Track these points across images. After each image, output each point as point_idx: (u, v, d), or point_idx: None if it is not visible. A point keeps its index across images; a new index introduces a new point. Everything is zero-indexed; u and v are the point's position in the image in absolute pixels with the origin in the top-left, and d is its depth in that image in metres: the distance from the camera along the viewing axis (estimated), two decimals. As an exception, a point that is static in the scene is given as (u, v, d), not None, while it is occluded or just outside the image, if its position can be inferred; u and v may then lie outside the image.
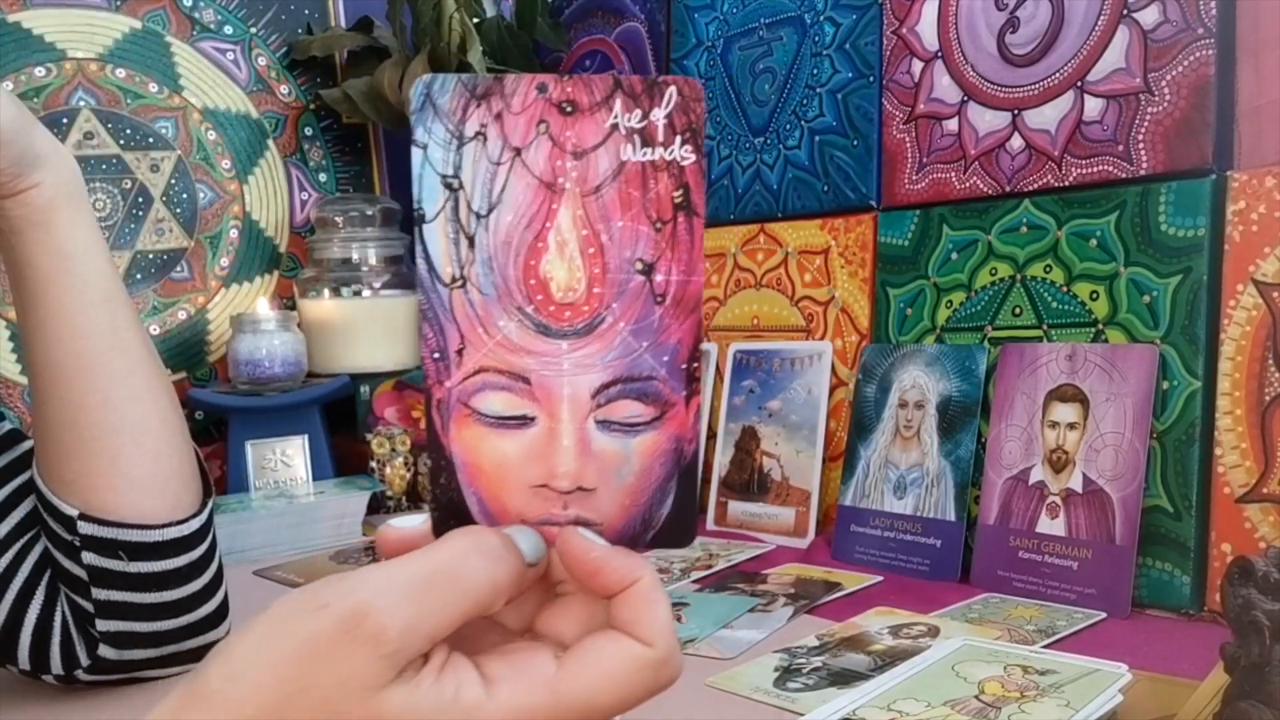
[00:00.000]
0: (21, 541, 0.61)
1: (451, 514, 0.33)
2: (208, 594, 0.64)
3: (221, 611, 0.66)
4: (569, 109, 0.31)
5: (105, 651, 0.61)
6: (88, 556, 0.59)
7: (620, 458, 0.32)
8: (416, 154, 0.32)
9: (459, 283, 0.32)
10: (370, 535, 1.10)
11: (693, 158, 0.31)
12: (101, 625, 0.60)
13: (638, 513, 0.33)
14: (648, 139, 0.31)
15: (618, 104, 0.31)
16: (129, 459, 0.60)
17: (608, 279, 0.32)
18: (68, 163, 0.60)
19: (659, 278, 0.32)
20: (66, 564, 0.60)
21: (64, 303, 0.59)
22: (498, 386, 0.32)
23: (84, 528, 0.59)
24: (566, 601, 0.33)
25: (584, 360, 0.32)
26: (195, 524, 0.62)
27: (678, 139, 0.31)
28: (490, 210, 0.32)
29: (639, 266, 0.32)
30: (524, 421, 0.32)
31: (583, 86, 0.31)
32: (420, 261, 0.32)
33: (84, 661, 0.61)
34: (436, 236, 0.32)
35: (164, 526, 0.60)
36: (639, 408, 0.32)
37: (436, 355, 0.32)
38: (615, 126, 0.31)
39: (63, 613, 0.61)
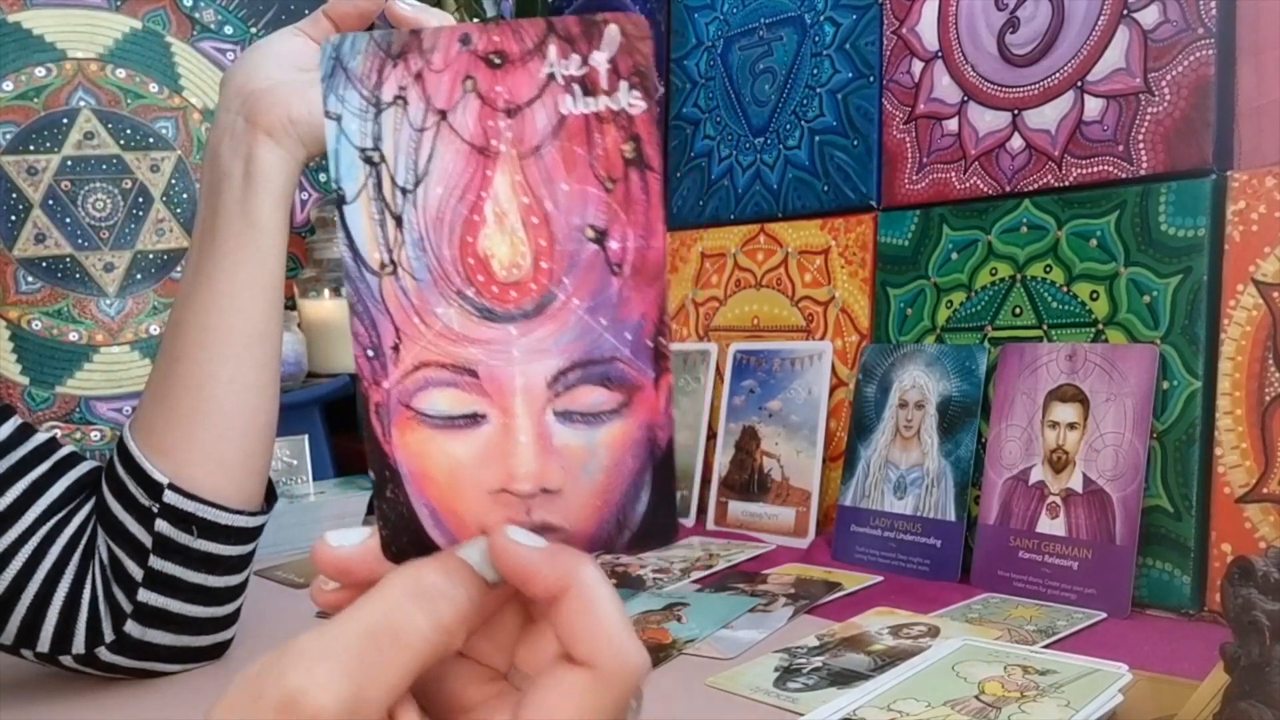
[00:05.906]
0: (49, 525, 0.62)
1: (403, 530, 0.29)
2: (237, 592, 0.66)
3: (235, 616, 0.68)
4: (498, 61, 0.27)
5: (130, 628, 0.62)
6: (160, 524, 0.61)
7: (586, 453, 0.28)
8: (330, 126, 0.28)
9: (389, 269, 0.28)
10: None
11: (642, 105, 0.27)
12: (143, 595, 0.62)
13: (610, 513, 0.29)
14: (589, 87, 0.27)
15: (552, 50, 0.27)
16: (230, 442, 0.62)
17: (556, 251, 0.28)
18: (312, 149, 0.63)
19: (614, 245, 0.27)
20: (133, 529, 0.61)
21: (239, 273, 0.60)
22: (441, 383, 0.28)
23: (169, 496, 0.60)
24: (541, 627, 0.30)
25: (536, 345, 0.28)
26: (260, 520, 0.65)
27: (623, 84, 0.27)
28: (417, 184, 0.28)
29: (590, 234, 0.27)
30: (474, 420, 0.28)
31: (511, 33, 0.27)
32: (344, 248, 0.28)
33: (108, 637, 0.62)
34: (360, 218, 0.28)
35: (238, 513, 0.62)
36: (602, 394, 0.28)
37: (370, 353, 0.29)
38: (551, 76, 0.27)
39: (92, 591, 0.62)
